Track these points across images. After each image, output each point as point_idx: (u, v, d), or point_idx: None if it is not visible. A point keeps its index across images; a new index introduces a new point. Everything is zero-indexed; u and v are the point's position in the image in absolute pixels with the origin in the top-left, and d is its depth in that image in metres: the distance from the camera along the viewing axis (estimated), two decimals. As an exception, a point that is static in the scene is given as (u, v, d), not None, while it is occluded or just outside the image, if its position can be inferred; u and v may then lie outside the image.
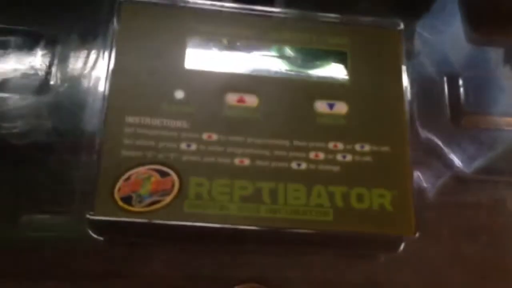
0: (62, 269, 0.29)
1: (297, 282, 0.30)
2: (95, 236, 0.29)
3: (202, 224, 0.29)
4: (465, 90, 0.35)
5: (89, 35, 0.33)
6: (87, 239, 0.29)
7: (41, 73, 0.32)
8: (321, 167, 0.31)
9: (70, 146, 0.31)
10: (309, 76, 0.33)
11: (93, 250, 0.29)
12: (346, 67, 0.34)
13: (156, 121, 0.31)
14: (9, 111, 0.31)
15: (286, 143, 0.31)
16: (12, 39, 0.33)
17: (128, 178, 0.29)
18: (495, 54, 0.37)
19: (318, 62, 0.34)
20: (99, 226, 0.29)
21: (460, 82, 0.35)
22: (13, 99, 0.31)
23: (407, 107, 0.33)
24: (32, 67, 0.32)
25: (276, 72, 0.33)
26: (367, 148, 0.32)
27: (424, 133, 0.34)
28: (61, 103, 0.32)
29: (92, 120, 0.31)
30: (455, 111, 0.35)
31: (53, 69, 0.32)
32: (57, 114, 0.31)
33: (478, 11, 0.38)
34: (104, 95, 0.31)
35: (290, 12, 0.35)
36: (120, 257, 0.29)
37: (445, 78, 0.36)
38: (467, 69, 0.36)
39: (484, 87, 0.36)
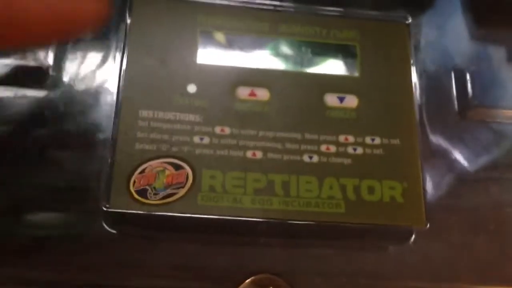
0: (76, 262, 0.29)
1: (309, 273, 0.30)
2: (108, 229, 0.29)
3: (216, 217, 0.29)
4: (472, 82, 0.35)
5: (101, 29, 0.33)
6: (100, 232, 0.29)
7: (52, 68, 0.32)
8: (333, 159, 0.31)
9: (84, 140, 0.31)
10: (319, 70, 0.34)
11: (106, 243, 0.29)
12: (356, 60, 0.34)
13: (169, 115, 0.31)
14: (19, 106, 0.31)
15: (298, 136, 0.31)
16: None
17: (143, 171, 0.29)
18: (501, 47, 0.38)
19: (327, 56, 0.34)
20: (113, 219, 0.29)
21: (467, 75, 0.35)
22: (24, 94, 0.31)
23: (415, 100, 0.33)
24: (42, 61, 0.32)
25: (286, 66, 0.33)
26: (377, 141, 0.32)
27: (432, 126, 0.34)
28: (73, 98, 0.32)
29: (104, 115, 0.31)
30: (462, 104, 0.35)
31: (65, 64, 0.32)
32: (69, 109, 0.31)
33: (481, 5, 0.38)
34: (117, 89, 0.31)
35: (299, 5, 0.35)
36: (133, 250, 0.29)
37: (452, 72, 0.36)
38: (474, 62, 0.37)
39: (491, 80, 0.36)
